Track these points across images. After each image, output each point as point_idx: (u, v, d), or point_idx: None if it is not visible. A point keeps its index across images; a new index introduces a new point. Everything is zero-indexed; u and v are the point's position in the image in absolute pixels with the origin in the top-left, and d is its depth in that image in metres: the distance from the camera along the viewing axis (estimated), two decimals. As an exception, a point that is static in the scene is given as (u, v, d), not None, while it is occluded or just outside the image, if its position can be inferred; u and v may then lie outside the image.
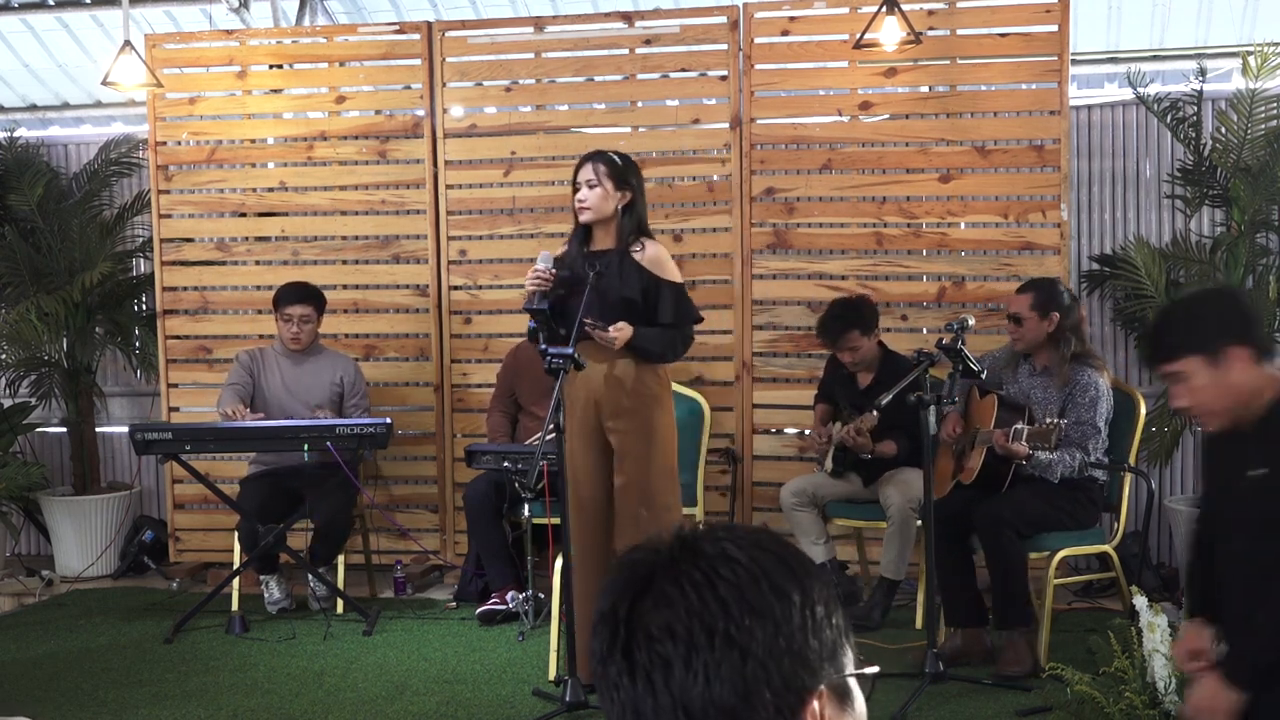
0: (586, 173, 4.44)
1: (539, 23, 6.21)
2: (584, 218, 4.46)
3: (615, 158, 4.48)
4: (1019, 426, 4.60)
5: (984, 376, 4.75)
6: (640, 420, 4.40)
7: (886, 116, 5.90)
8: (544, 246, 6.04)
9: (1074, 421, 4.70)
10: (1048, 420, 4.56)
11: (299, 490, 5.54)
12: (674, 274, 4.48)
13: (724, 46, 5.92)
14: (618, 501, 4.43)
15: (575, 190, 4.48)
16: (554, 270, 4.42)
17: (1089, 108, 6.31)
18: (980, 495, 4.80)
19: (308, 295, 5.80)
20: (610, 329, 4.31)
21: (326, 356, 5.90)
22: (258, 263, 6.45)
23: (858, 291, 5.67)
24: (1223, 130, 5.61)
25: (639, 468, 4.40)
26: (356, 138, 6.33)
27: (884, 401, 4.62)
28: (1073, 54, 5.85)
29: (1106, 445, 4.80)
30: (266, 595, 5.73)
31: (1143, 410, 4.93)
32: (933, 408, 4.45)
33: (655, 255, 4.44)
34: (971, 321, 4.66)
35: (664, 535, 1.22)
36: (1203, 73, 5.68)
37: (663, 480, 4.43)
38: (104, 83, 5.85)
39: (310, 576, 5.66)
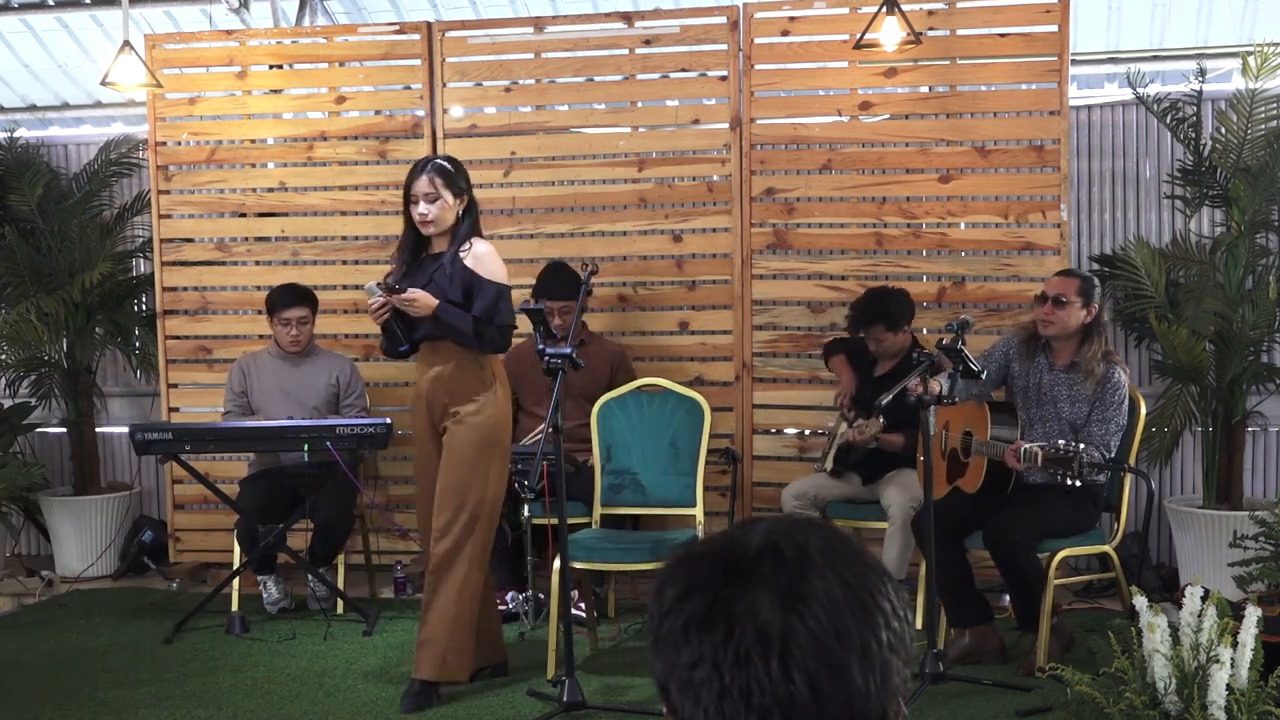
0: (424, 185, 4.42)
1: (539, 23, 6.21)
2: (428, 232, 4.47)
3: (448, 165, 4.49)
4: (1027, 447, 4.45)
5: (984, 376, 4.74)
6: (464, 419, 4.43)
7: (886, 116, 5.90)
8: (544, 248, 6.08)
9: (1100, 420, 4.69)
10: (1062, 443, 4.38)
11: (299, 490, 5.54)
12: (497, 274, 4.46)
13: (724, 47, 5.92)
14: (437, 498, 4.45)
15: (411, 202, 4.44)
16: (384, 295, 4.39)
17: (1089, 108, 6.31)
18: (979, 497, 4.81)
19: (303, 297, 5.80)
20: (407, 292, 4.34)
21: (322, 357, 5.90)
22: (258, 263, 6.45)
23: (897, 285, 5.58)
24: (1223, 130, 5.61)
25: (458, 465, 4.41)
26: (356, 138, 6.33)
27: (884, 402, 4.63)
28: (1073, 54, 5.86)
29: None
30: (265, 595, 5.74)
31: (1143, 410, 4.93)
32: (933, 407, 4.46)
33: (479, 254, 4.46)
34: (972, 322, 4.65)
35: (745, 524, 1.18)
36: (1202, 73, 5.68)
37: (483, 477, 4.44)
38: (104, 83, 5.85)
39: (310, 576, 5.66)
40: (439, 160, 4.52)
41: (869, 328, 5.35)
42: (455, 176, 4.47)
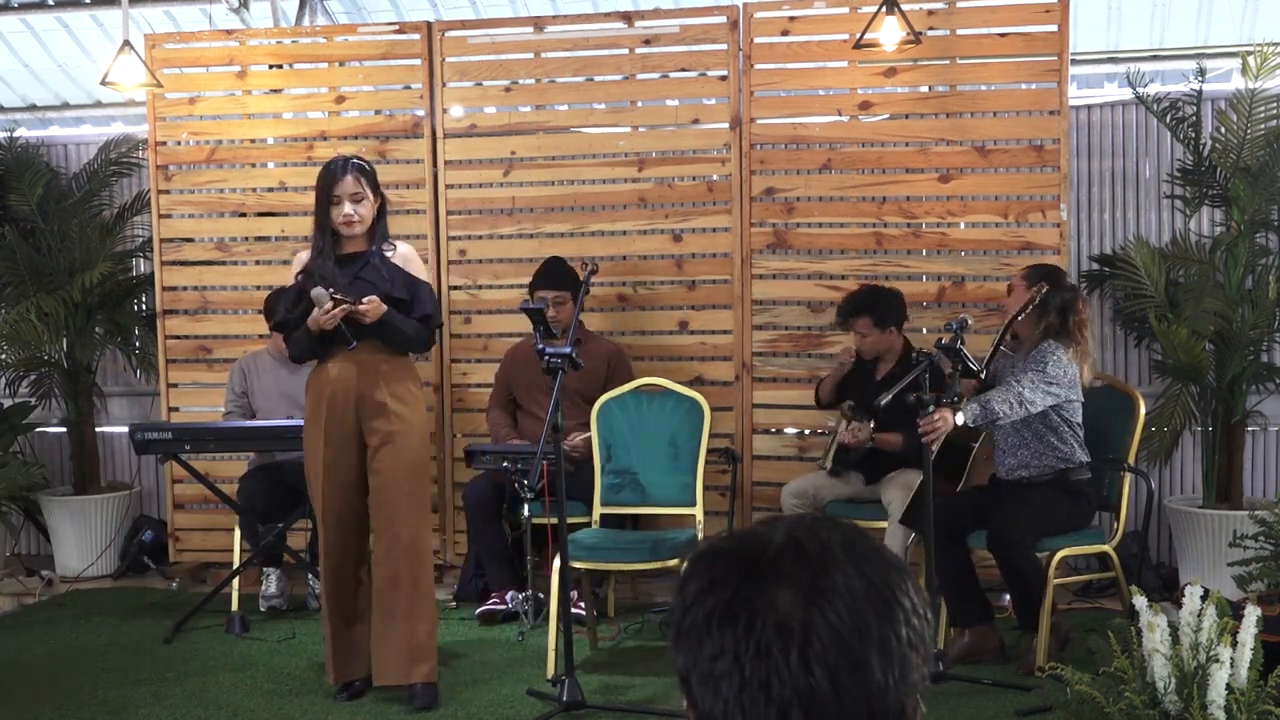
0: (351, 186, 4.36)
1: (539, 23, 6.21)
2: (353, 233, 4.41)
3: (367, 165, 4.48)
4: (925, 397, 4.50)
5: (983, 377, 4.74)
6: (397, 420, 4.39)
7: (886, 116, 5.90)
8: (544, 248, 6.07)
9: (1020, 371, 4.70)
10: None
11: (299, 489, 5.53)
12: (425, 274, 4.56)
13: (724, 46, 5.92)
14: (373, 501, 4.41)
15: (333, 203, 4.36)
16: (333, 305, 4.30)
17: (1089, 108, 6.31)
18: (977, 496, 4.82)
19: None
20: (363, 302, 4.29)
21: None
22: (258, 263, 6.45)
23: (894, 286, 5.57)
24: (1222, 130, 5.61)
25: (395, 466, 4.38)
26: (356, 138, 6.33)
27: (883, 402, 4.63)
28: (1072, 54, 5.85)
29: (1066, 410, 4.73)
30: (264, 588, 5.73)
31: (1142, 410, 4.93)
32: (931, 407, 4.46)
33: (408, 254, 4.50)
34: (971, 321, 4.65)
35: (768, 521, 1.18)
36: (1202, 73, 5.68)
37: (417, 479, 4.45)
38: (104, 83, 5.85)
39: (310, 576, 5.66)
40: (356, 160, 4.47)
41: (856, 318, 5.34)
42: (373, 176, 4.48)
